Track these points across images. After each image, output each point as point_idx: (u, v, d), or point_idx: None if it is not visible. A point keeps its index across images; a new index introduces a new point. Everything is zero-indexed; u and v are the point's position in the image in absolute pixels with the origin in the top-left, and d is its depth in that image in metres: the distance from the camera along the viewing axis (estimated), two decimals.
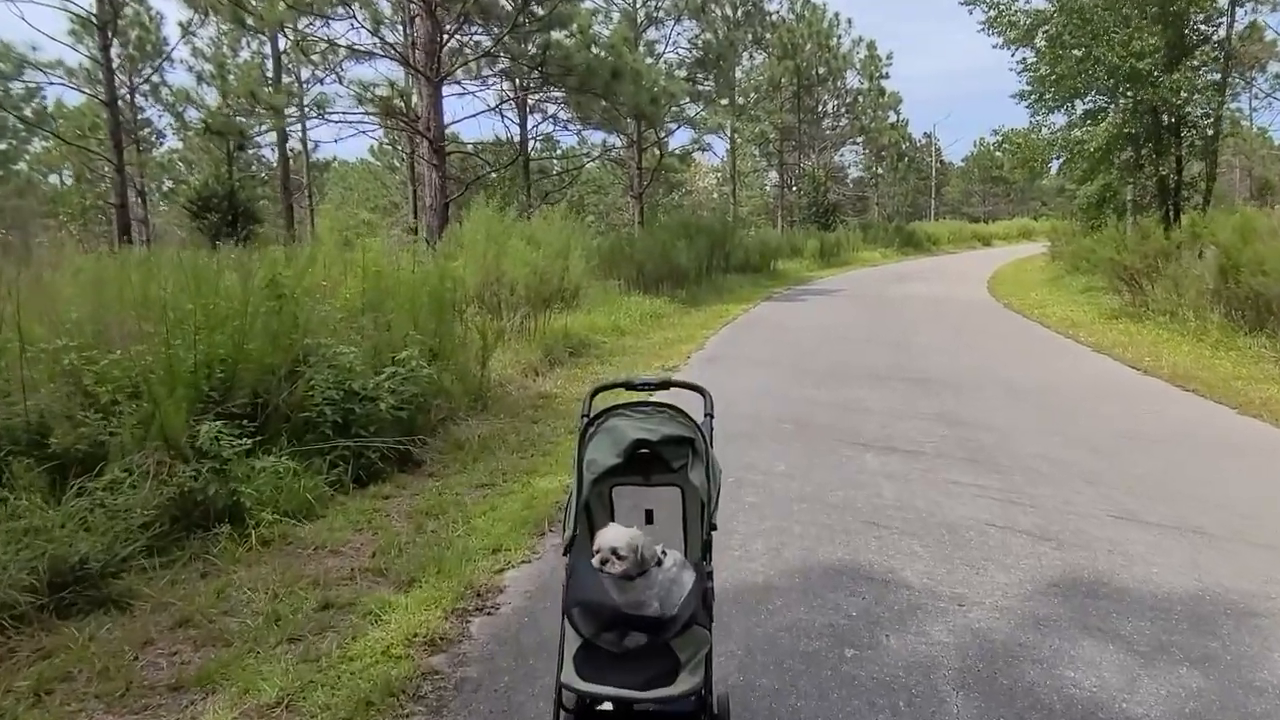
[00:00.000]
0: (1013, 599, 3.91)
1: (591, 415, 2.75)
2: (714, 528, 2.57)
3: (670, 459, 2.70)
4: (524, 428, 7.12)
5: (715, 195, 43.17)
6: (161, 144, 31.46)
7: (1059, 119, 20.20)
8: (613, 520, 2.85)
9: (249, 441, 4.78)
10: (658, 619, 2.27)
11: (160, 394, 4.80)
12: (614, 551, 2.45)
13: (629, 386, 2.93)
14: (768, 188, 45.64)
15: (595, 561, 2.44)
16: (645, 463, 2.72)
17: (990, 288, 20.78)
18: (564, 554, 2.54)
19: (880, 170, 49.90)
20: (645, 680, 2.21)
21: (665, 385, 2.90)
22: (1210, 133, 18.14)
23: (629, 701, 2.21)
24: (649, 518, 2.84)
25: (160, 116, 28.60)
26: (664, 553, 2.59)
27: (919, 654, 3.40)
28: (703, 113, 24.67)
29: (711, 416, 2.83)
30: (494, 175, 22.25)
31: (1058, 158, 21.48)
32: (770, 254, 25.43)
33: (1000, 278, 23.71)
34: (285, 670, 3.24)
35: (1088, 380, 9.27)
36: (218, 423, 4.71)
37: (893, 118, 44.58)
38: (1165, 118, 18.09)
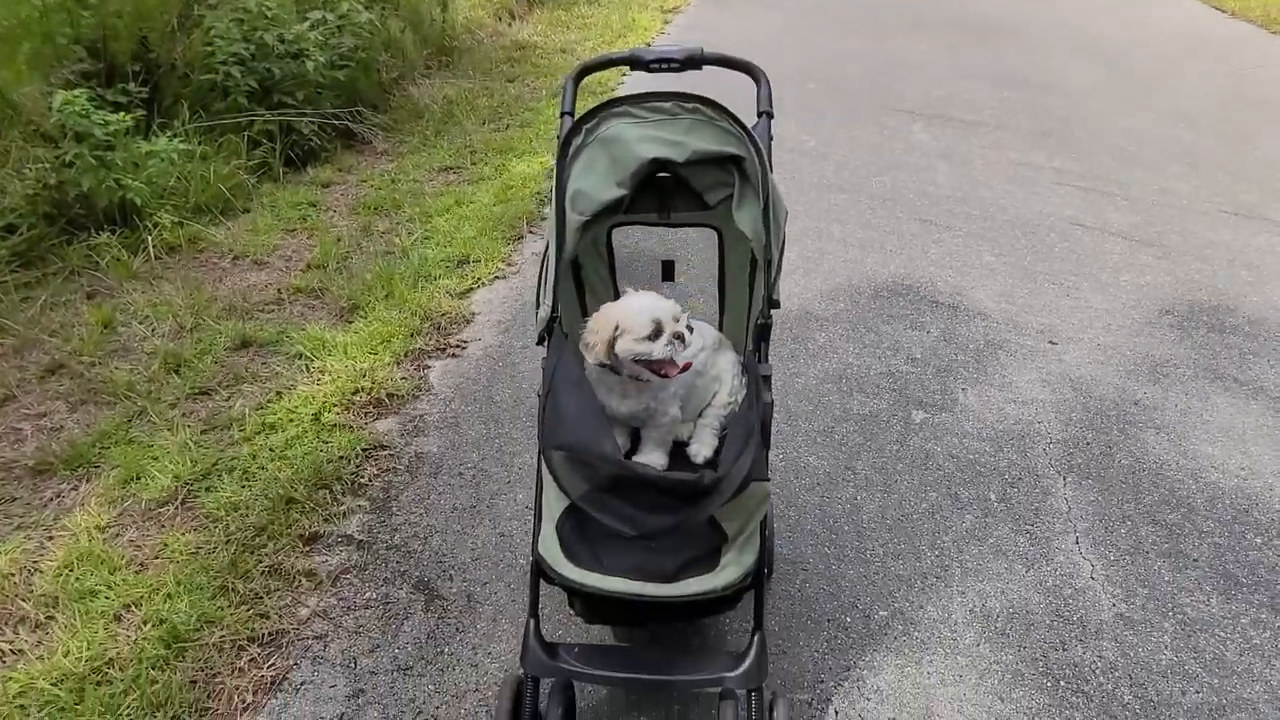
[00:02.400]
0: (1117, 333, 3.08)
1: (577, 115, 1.68)
2: (775, 304, 1.61)
3: (704, 189, 1.69)
4: (497, 88, 5.87)
5: None
6: None
7: None
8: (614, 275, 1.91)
9: (127, 116, 3.63)
10: (694, 486, 1.37)
11: None
12: (676, 319, 1.56)
13: (635, 64, 1.76)
14: None
15: (660, 349, 1.52)
16: (663, 193, 1.72)
17: None
18: (538, 343, 1.61)
19: None
20: (670, 566, 1.39)
21: (695, 63, 1.72)
22: None
23: (646, 601, 1.40)
24: (667, 273, 1.89)
25: None
26: (689, 327, 1.68)
27: (1008, 419, 2.63)
28: None
29: (770, 116, 1.75)
30: None
31: None
32: None
33: None
34: (184, 446, 2.46)
35: (1168, 27, 7.81)
36: (79, 91, 3.53)
37: None
38: None
